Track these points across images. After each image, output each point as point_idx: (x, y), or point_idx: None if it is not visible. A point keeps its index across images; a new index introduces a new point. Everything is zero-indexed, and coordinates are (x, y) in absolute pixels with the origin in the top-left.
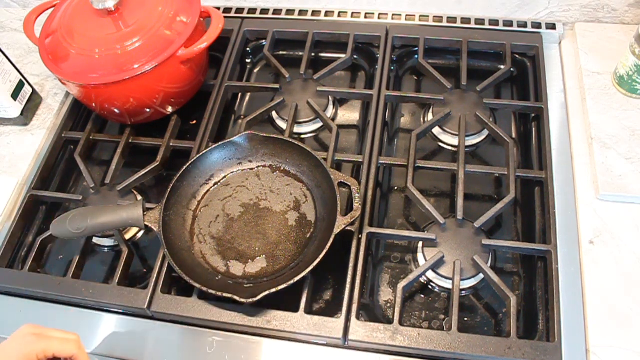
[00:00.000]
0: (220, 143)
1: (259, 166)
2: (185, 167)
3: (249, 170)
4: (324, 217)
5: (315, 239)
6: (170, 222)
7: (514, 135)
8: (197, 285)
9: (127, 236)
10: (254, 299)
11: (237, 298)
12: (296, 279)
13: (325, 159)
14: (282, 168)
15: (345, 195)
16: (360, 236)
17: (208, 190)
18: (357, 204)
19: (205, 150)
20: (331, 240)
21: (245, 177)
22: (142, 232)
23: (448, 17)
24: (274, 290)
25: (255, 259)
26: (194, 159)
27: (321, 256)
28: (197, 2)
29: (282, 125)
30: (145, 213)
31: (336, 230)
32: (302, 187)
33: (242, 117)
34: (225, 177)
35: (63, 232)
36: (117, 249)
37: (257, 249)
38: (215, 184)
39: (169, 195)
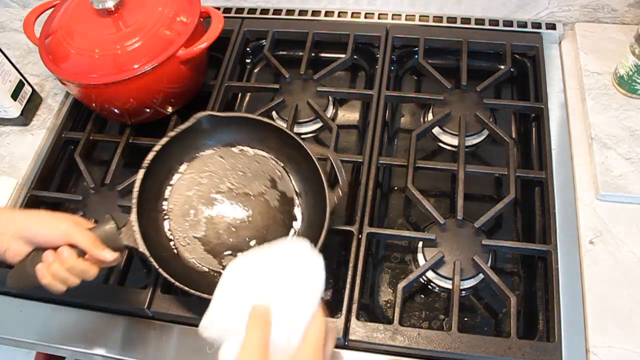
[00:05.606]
0: (175, 133)
1: (223, 147)
2: (142, 167)
3: (213, 153)
4: (305, 191)
5: (303, 215)
6: (145, 233)
7: (514, 135)
8: (204, 295)
9: None
10: None
11: None
12: None
13: (293, 132)
14: (248, 147)
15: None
16: (360, 236)
17: (173, 186)
18: (342, 178)
19: (162, 144)
20: (327, 220)
21: (211, 162)
22: None
23: (448, 17)
24: None
25: (247, 249)
26: (152, 157)
27: (321, 241)
28: (197, 2)
29: (282, 125)
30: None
31: (330, 209)
32: (273, 164)
33: None
34: (187, 167)
35: (23, 280)
36: None
37: (246, 237)
38: (180, 177)
39: (137, 205)
